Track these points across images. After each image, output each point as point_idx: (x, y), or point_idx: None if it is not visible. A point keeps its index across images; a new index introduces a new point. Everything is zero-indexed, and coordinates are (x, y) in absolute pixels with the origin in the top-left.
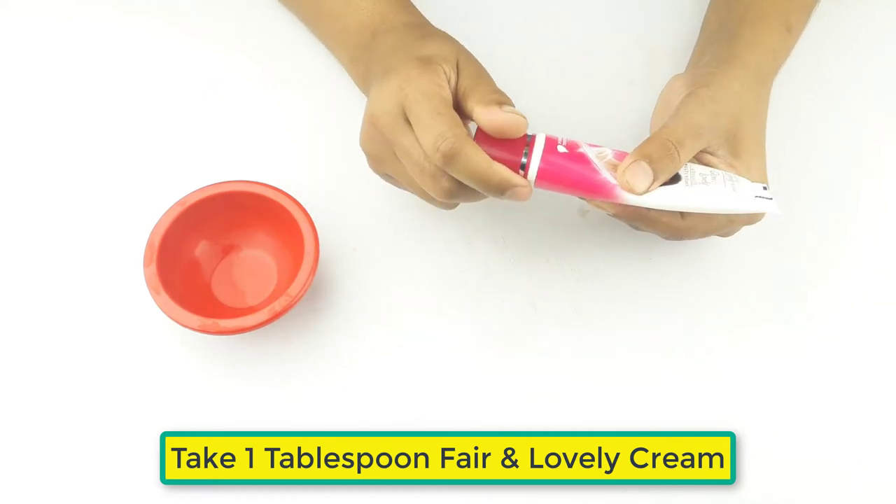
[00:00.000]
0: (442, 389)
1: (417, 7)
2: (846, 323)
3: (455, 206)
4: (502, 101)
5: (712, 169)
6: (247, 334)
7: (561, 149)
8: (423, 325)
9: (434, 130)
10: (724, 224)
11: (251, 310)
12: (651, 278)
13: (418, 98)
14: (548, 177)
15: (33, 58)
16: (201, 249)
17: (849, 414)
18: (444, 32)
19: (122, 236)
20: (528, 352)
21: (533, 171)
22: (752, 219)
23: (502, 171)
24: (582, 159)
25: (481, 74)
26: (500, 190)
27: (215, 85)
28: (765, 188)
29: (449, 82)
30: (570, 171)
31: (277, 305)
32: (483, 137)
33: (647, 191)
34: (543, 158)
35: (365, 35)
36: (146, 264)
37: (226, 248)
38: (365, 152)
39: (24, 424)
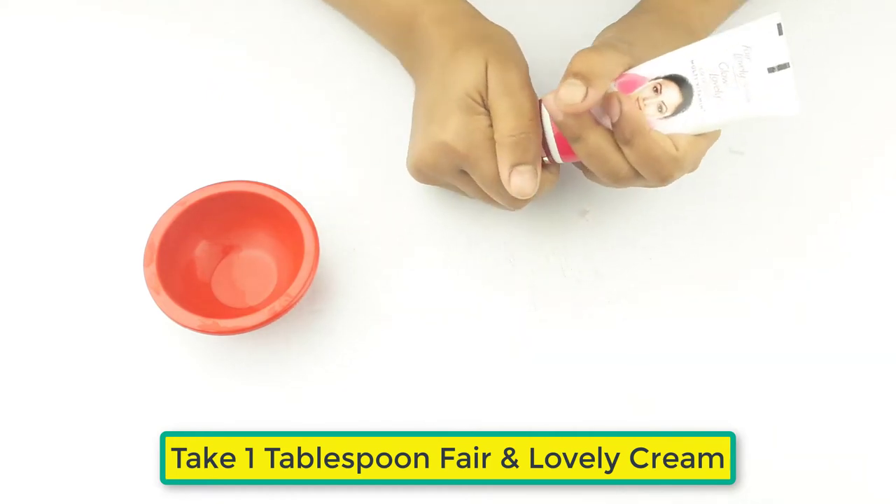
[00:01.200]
0: (442, 389)
1: None
2: (847, 323)
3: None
4: (516, 161)
5: (720, 63)
6: (247, 334)
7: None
8: (423, 325)
9: (504, 197)
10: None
11: (251, 310)
12: (651, 278)
13: (474, 162)
14: (568, 153)
15: (33, 58)
16: (201, 249)
17: (849, 414)
18: (474, 24)
19: (122, 236)
20: (528, 352)
21: (555, 154)
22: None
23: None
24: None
25: (497, 93)
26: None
27: (215, 85)
28: (779, 28)
29: (486, 105)
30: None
31: (277, 305)
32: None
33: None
34: (559, 143)
35: (400, 29)
36: (146, 264)
37: (226, 248)
38: (421, 172)
39: (24, 424)
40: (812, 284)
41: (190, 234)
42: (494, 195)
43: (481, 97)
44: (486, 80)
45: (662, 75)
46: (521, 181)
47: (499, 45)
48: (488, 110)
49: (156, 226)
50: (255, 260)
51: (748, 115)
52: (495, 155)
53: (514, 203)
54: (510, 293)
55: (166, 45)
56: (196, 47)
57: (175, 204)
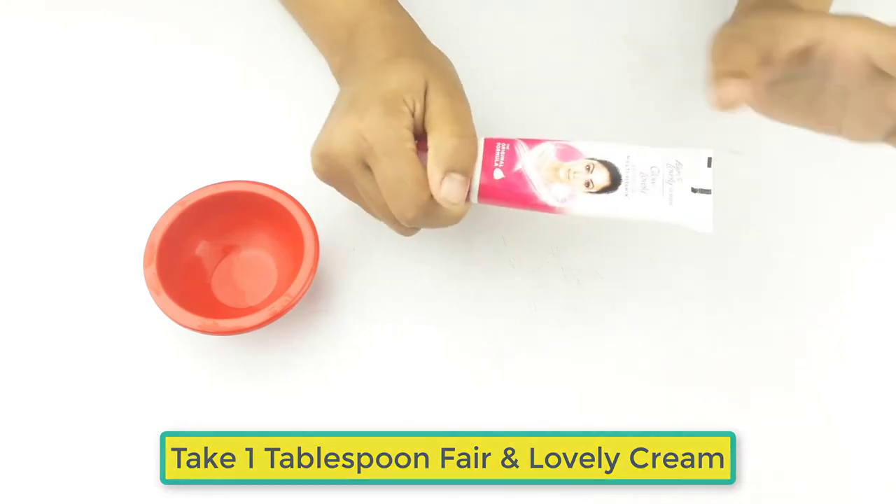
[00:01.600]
0: (441, 389)
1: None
2: (848, 322)
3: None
4: (452, 167)
5: (652, 167)
6: (247, 334)
7: (498, 174)
8: (423, 325)
9: (400, 203)
10: None
11: (251, 310)
12: (652, 278)
13: (379, 156)
14: (488, 196)
15: (34, 59)
16: (201, 249)
17: (849, 414)
18: (418, 42)
19: (122, 236)
20: (528, 352)
21: (474, 195)
22: None
23: (458, 211)
24: (520, 178)
25: (444, 110)
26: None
27: (215, 85)
28: (709, 162)
29: (413, 113)
30: (508, 195)
31: (277, 305)
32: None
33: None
34: (482, 185)
35: (342, 31)
36: (146, 264)
37: (226, 249)
38: (324, 160)
39: (23, 425)
40: (813, 284)
41: (190, 234)
42: (390, 200)
43: (412, 103)
44: (424, 93)
45: (598, 158)
46: (451, 187)
47: (442, 67)
48: (413, 115)
49: (156, 226)
50: (255, 260)
51: (666, 218)
52: (404, 157)
53: (399, 227)
54: (510, 293)
55: (166, 47)
56: (196, 48)
57: (175, 204)
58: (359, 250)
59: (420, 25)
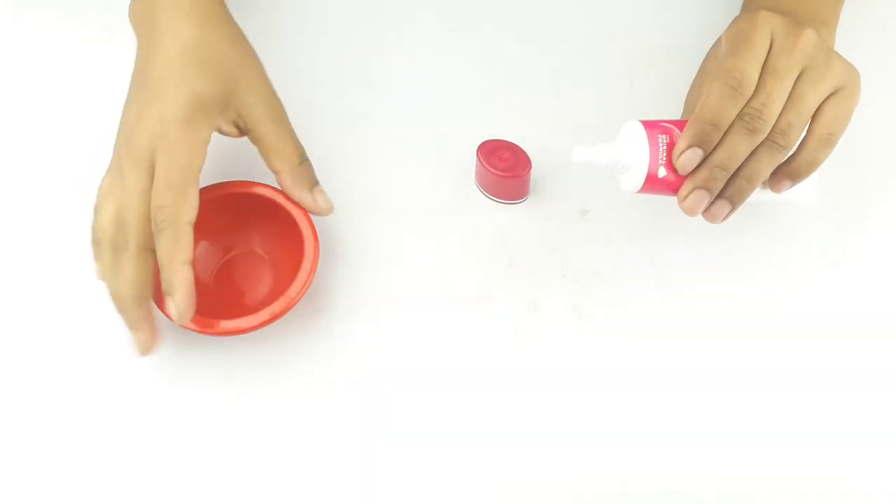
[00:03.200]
0: (441, 389)
1: None
2: (847, 324)
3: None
4: (310, 181)
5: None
6: (246, 335)
7: (661, 172)
8: (423, 324)
9: (161, 199)
10: None
11: (251, 310)
12: (652, 278)
13: (168, 165)
14: (650, 189)
15: (38, 62)
16: (201, 250)
17: (848, 415)
18: (230, 39)
19: None
20: (527, 352)
21: (638, 185)
22: None
23: (179, 275)
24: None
25: (269, 139)
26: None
27: None
28: None
29: (237, 128)
30: (668, 188)
31: (277, 306)
32: None
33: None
34: (645, 182)
35: None
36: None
37: (226, 249)
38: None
39: (20, 425)
40: (814, 284)
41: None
42: (156, 195)
43: (217, 116)
44: (236, 106)
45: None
46: (323, 198)
47: (246, 72)
48: (217, 126)
49: None
50: (255, 260)
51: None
52: (190, 173)
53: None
54: (510, 293)
55: None
56: None
57: None
58: (359, 250)
59: (420, 27)
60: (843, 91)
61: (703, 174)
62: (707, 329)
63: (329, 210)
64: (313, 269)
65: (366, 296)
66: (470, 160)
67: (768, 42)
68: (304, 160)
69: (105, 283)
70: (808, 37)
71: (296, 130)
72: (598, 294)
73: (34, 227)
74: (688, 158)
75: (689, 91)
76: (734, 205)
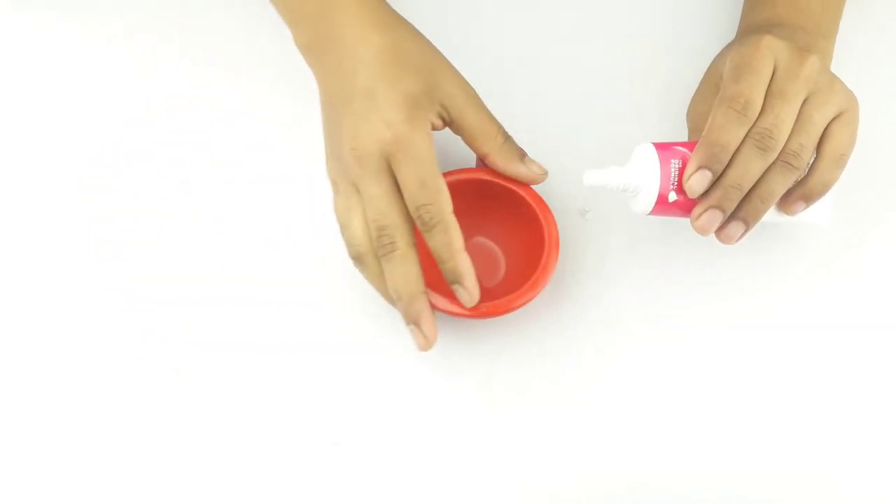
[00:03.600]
0: (441, 389)
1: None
2: (848, 324)
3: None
4: (519, 153)
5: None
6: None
7: (672, 196)
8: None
9: (421, 198)
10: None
11: (494, 295)
12: (652, 278)
13: (406, 160)
14: (660, 212)
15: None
16: None
17: (849, 415)
18: (414, 38)
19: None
20: (527, 352)
21: (649, 207)
22: None
23: (463, 263)
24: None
25: (471, 112)
26: (455, 279)
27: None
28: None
29: (435, 119)
30: (678, 211)
31: (535, 284)
32: None
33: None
34: (655, 206)
35: (310, 2)
36: None
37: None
38: (329, 174)
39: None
40: (814, 285)
41: None
42: (409, 199)
43: (429, 106)
44: (441, 98)
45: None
46: (537, 165)
47: (440, 61)
48: (433, 119)
49: None
50: (482, 247)
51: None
52: (429, 162)
53: (386, 254)
54: None
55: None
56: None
57: None
58: None
59: (420, 25)
60: (847, 115)
61: (717, 193)
62: (707, 329)
63: (544, 175)
64: (555, 253)
65: (365, 296)
66: (470, 160)
67: (772, 68)
68: (507, 137)
69: (378, 289)
70: (813, 63)
71: (296, 131)
72: (599, 294)
73: (34, 227)
74: (697, 181)
75: (691, 105)
76: (748, 225)
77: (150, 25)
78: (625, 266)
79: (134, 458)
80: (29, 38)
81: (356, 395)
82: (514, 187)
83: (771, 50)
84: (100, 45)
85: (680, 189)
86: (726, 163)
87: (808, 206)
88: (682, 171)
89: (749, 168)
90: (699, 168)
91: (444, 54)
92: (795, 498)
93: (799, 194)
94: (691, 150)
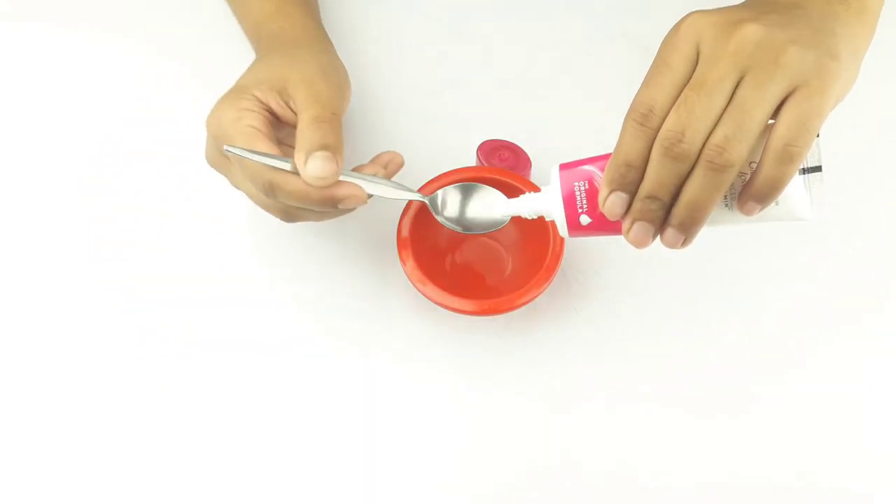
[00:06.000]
0: (440, 389)
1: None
2: (847, 324)
3: (295, 221)
4: (312, 148)
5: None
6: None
7: (584, 220)
8: (423, 324)
9: (248, 172)
10: None
11: (497, 293)
12: (652, 278)
13: (224, 139)
14: (579, 235)
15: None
16: (442, 237)
17: (848, 415)
18: (297, 47)
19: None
20: (528, 353)
21: (562, 230)
22: None
23: (321, 190)
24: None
25: (303, 98)
26: (331, 204)
27: None
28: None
29: (268, 107)
30: (599, 230)
31: (539, 282)
32: None
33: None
34: (570, 229)
35: (253, 33)
36: (403, 261)
37: (460, 235)
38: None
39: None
40: (814, 285)
41: (431, 223)
42: (256, 202)
43: (262, 95)
44: (283, 90)
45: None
46: (314, 164)
47: (305, 64)
48: (265, 107)
49: (401, 221)
50: (486, 245)
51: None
52: (240, 134)
53: (280, 214)
54: None
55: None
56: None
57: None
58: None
59: (420, 27)
60: (803, 89)
61: (636, 206)
62: (707, 329)
63: (321, 177)
64: (559, 250)
65: (364, 296)
66: (470, 160)
67: (692, 55)
68: (320, 119)
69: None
70: (745, 34)
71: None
72: (599, 294)
73: (35, 227)
74: (613, 203)
75: None
76: (686, 232)
77: (150, 26)
78: (628, 264)
79: (134, 458)
80: (29, 39)
81: (356, 393)
82: (518, 185)
83: (690, 35)
84: (100, 46)
85: (593, 210)
86: (638, 180)
87: (763, 207)
88: (589, 192)
89: (661, 176)
90: (611, 192)
91: (444, 54)
92: (795, 498)
93: (749, 194)
94: (603, 167)
